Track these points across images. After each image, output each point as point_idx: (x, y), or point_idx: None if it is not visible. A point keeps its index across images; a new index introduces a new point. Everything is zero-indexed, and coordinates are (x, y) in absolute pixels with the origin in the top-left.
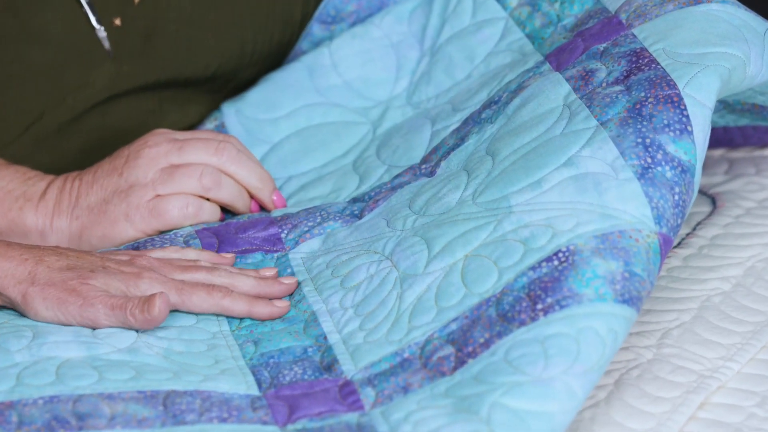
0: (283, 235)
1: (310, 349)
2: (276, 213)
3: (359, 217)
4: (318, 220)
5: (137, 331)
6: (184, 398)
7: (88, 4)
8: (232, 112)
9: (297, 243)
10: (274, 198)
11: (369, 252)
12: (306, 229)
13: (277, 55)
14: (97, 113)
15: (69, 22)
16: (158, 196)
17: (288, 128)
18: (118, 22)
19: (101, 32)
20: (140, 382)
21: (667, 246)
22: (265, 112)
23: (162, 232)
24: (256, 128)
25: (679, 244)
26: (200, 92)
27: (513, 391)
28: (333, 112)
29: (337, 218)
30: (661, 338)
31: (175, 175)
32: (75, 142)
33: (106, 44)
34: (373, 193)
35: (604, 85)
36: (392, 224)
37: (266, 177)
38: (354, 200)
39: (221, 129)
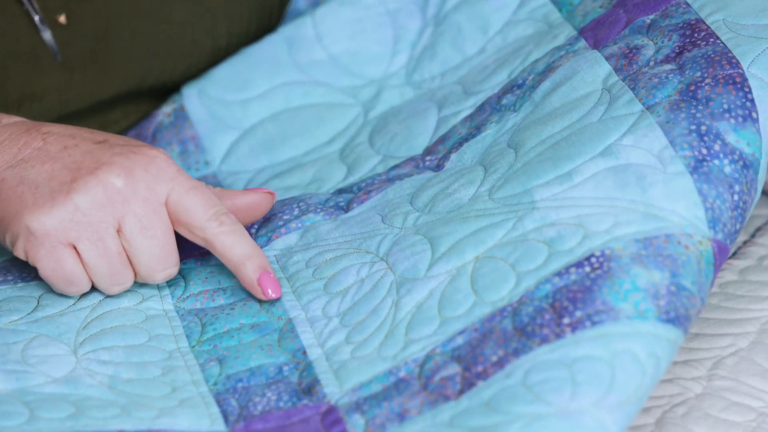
0: (252, 231)
1: (285, 368)
2: None
3: (345, 209)
4: (295, 213)
5: (76, 355)
6: None
7: (29, 0)
8: (193, 93)
9: (270, 240)
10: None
11: (359, 251)
12: (281, 223)
13: None
14: None
15: (6, 22)
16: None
17: (261, 111)
18: (62, 19)
19: (46, 33)
20: (81, 421)
21: (722, 255)
22: (233, 92)
23: None
24: (223, 111)
25: (735, 253)
26: None
27: (534, 426)
28: (316, 92)
29: (318, 210)
30: (713, 368)
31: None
32: None
33: (53, 46)
34: (363, 184)
35: (651, 63)
36: (389, 220)
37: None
38: (339, 191)
39: (180, 113)
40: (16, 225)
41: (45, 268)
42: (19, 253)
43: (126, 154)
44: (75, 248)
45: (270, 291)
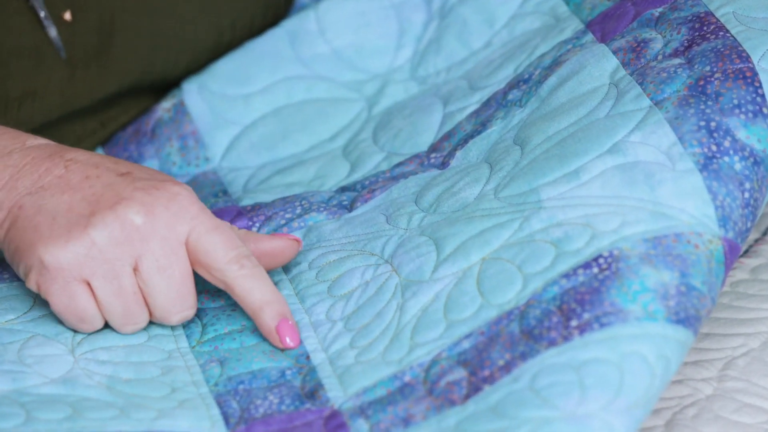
0: (254, 229)
1: (288, 372)
2: (246, 202)
3: (349, 209)
4: (298, 211)
5: (73, 355)
6: None
7: None
8: (194, 88)
9: None
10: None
11: (363, 253)
12: (283, 222)
13: None
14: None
15: (9, 18)
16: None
17: (263, 106)
18: (67, 16)
19: (51, 29)
20: (78, 423)
21: (733, 254)
22: (235, 87)
23: None
24: (224, 107)
25: (746, 252)
26: None
27: (541, 430)
28: (319, 87)
29: (321, 209)
30: (724, 369)
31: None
32: None
33: (58, 43)
34: (367, 182)
35: (660, 57)
36: (393, 221)
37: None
38: (342, 189)
39: (180, 108)
40: (30, 257)
41: (57, 304)
42: (32, 286)
43: (148, 189)
44: (89, 285)
45: (288, 339)
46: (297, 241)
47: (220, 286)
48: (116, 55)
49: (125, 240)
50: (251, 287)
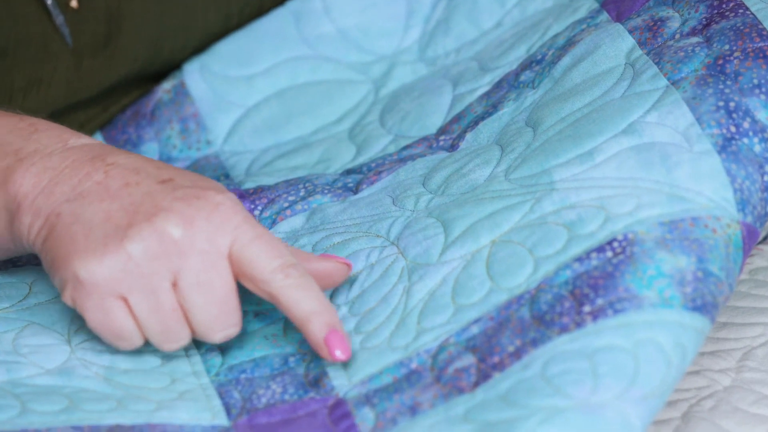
0: (256, 213)
1: (291, 359)
2: (248, 185)
3: (354, 191)
4: (301, 194)
5: (70, 345)
6: None
7: None
8: (195, 68)
9: (275, 222)
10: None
11: (369, 235)
12: (286, 204)
13: None
14: None
15: (16, 6)
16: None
17: (266, 88)
18: (74, 3)
19: (58, 17)
20: (75, 415)
21: (751, 239)
22: (237, 68)
23: None
24: (226, 88)
25: (765, 238)
26: None
27: (553, 420)
28: (324, 68)
29: (325, 191)
30: (742, 360)
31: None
32: None
33: (65, 31)
34: (373, 165)
35: (677, 36)
36: (400, 203)
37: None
38: (348, 172)
39: (180, 90)
40: (65, 270)
41: (93, 321)
42: (67, 301)
43: (188, 199)
44: (126, 301)
45: (338, 352)
46: (348, 265)
47: (266, 297)
48: (123, 43)
49: (163, 254)
50: (298, 297)
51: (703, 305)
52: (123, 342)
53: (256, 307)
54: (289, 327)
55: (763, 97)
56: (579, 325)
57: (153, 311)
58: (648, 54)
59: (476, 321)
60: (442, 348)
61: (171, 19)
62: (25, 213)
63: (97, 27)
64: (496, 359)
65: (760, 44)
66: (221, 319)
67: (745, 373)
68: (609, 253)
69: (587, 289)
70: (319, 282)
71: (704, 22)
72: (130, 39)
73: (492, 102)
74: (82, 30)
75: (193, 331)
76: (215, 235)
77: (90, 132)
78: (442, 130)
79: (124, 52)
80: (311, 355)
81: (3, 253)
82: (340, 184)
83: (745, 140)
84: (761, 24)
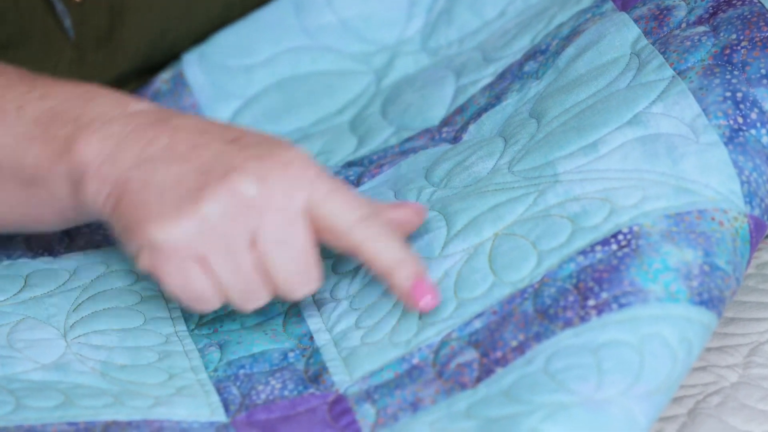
0: None
1: (291, 354)
2: None
3: (356, 183)
4: None
5: (66, 339)
6: (128, 431)
7: None
8: (194, 58)
9: None
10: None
11: None
12: None
13: None
14: None
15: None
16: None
17: (266, 78)
18: None
19: (61, 11)
20: (71, 411)
21: (759, 233)
22: (236, 58)
23: None
24: (225, 78)
25: None
26: None
27: (557, 416)
28: (325, 59)
29: None
30: (749, 355)
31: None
32: None
33: (68, 25)
34: (375, 157)
35: (683, 26)
36: (402, 196)
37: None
38: (349, 164)
39: (179, 80)
40: (140, 236)
41: (172, 285)
42: (144, 267)
43: (260, 157)
44: (205, 263)
45: (425, 300)
46: (422, 209)
47: (347, 251)
48: (126, 36)
49: (239, 213)
50: (380, 248)
51: (709, 299)
52: (202, 305)
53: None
54: (288, 322)
55: None
56: (583, 319)
57: (233, 272)
58: (654, 43)
59: (479, 315)
60: (444, 343)
61: (173, 11)
62: (90, 181)
63: (100, 20)
64: (498, 354)
65: (767, 33)
66: (302, 276)
67: (753, 369)
68: (614, 246)
69: (592, 283)
70: (397, 229)
71: (711, 11)
72: (133, 32)
73: (495, 93)
74: (85, 23)
75: (273, 291)
76: (291, 191)
77: None
78: (445, 122)
79: (127, 45)
80: (311, 350)
81: (65, 222)
82: (341, 177)
83: (753, 131)
84: None
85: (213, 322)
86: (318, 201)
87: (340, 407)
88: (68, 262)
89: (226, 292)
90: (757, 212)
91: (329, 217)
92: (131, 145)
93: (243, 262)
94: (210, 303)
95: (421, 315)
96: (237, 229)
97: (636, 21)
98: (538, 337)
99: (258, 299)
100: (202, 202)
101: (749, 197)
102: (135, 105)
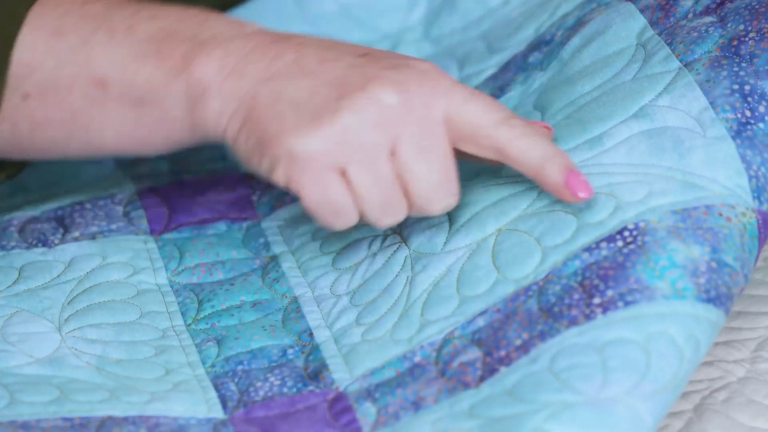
0: (254, 198)
1: (290, 351)
2: (245, 168)
3: None
4: None
5: (60, 333)
6: (124, 427)
7: None
8: None
9: (273, 208)
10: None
11: None
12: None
13: None
14: None
15: None
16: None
17: None
18: None
19: None
20: (65, 406)
21: (767, 228)
22: None
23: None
24: None
25: None
26: None
27: (561, 415)
28: None
29: None
30: (757, 350)
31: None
32: None
33: None
34: None
35: (690, 16)
36: None
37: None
38: None
39: None
40: (277, 148)
41: (310, 197)
42: (279, 180)
43: (397, 67)
44: (343, 174)
45: (581, 193)
46: (548, 128)
47: (491, 154)
48: None
49: (380, 122)
50: (528, 145)
51: (717, 296)
52: (339, 219)
53: (254, 297)
54: (287, 318)
55: None
56: (588, 317)
57: (373, 182)
58: (660, 34)
59: (482, 313)
60: (446, 341)
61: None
62: (213, 98)
63: None
64: (502, 353)
65: None
66: (442, 187)
67: (760, 364)
68: (619, 243)
69: (597, 281)
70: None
71: (718, 1)
72: None
73: (499, 84)
74: None
75: (411, 204)
76: (430, 100)
77: None
78: None
79: None
80: (311, 347)
81: (170, 145)
82: None
83: (761, 125)
84: None
85: (210, 318)
86: (457, 107)
87: (340, 405)
88: (63, 253)
89: (364, 205)
90: (765, 207)
91: (471, 121)
92: (256, 62)
93: (383, 172)
94: (347, 217)
95: (423, 312)
96: (377, 138)
97: (642, 11)
98: (543, 336)
99: (395, 213)
100: (342, 111)
101: (757, 192)
102: (251, 26)
